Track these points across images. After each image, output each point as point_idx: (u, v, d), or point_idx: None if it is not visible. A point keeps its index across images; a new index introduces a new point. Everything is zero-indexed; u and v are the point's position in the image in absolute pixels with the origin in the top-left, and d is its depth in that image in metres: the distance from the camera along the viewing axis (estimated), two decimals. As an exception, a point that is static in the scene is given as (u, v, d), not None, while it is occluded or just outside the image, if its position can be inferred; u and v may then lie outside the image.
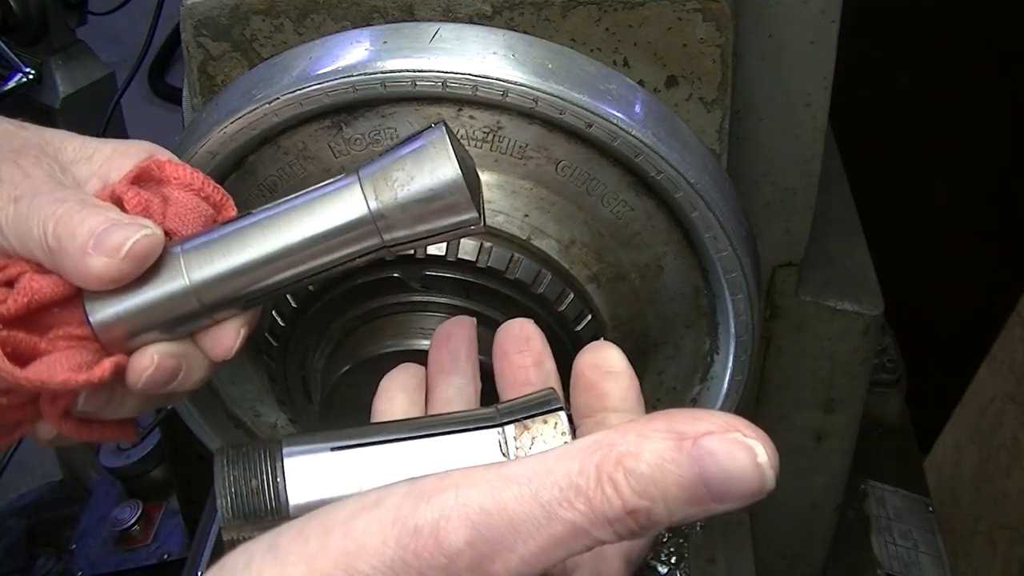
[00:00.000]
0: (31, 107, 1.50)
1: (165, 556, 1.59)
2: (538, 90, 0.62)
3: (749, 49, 0.77)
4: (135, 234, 0.52)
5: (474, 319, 0.63)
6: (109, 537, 1.63)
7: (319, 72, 0.63)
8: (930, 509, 1.46)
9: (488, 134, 0.66)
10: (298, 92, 0.63)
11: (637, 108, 0.64)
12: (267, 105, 0.64)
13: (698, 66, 0.68)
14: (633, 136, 0.63)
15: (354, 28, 0.67)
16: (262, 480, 0.46)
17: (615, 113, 0.63)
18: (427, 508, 0.38)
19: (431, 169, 0.53)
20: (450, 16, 0.67)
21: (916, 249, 1.73)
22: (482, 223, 0.55)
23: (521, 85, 0.62)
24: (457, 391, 0.59)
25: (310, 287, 0.69)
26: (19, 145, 0.56)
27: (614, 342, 0.56)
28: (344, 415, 0.70)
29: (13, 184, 0.54)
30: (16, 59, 1.46)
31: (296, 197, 0.55)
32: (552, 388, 0.52)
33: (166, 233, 0.55)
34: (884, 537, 1.40)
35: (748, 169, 0.83)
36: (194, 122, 0.70)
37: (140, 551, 1.61)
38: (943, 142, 1.75)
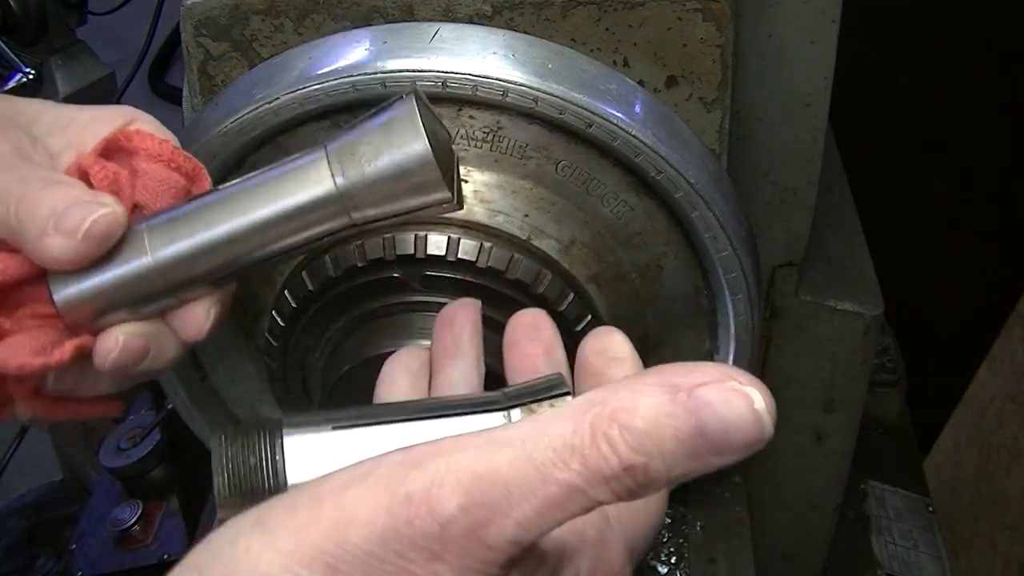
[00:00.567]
0: (31, 107, 1.50)
1: (165, 556, 1.58)
2: (538, 90, 0.62)
3: (749, 49, 0.77)
4: (93, 213, 0.50)
5: (478, 301, 0.62)
6: (109, 537, 1.62)
7: (319, 72, 0.63)
8: (930, 509, 1.45)
9: (488, 134, 0.66)
10: (298, 92, 0.63)
11: (637, 108, 0.64)
12: (267, 105, 0.64)
13: (698, 66, 0.68)
14: (633, 136, 0.63)
15: (354, 28, 0.67)
16: (261, 457, 0.45)
17: (615, 113, 0.63)
18: (418, 475, 0.37)
19: (399, 143, 0.50)
20: (450, 16, 0.67)
21: (916, 249, 1.72)
22: (456, 202, 0.52)
23: (521, 85, 0.62)
24: (461, 376, 0.58)
25: (310, 288, 0.69)
26: None
27: (615, 341, 0.56)
28: (344, 415, 0.70)
29: None
30: (16, 59, 1.45)
31: (266, 171, 0.53)
32: (560, 373, 0.51)
33: (137, 206, 0.53)
34: (884, 537, 1.40)
35: (748, 169, 0.83)
36: (194, 122, 0.70)
37: (140, 551, 1.61)
38: (943, 142, 1.75)
